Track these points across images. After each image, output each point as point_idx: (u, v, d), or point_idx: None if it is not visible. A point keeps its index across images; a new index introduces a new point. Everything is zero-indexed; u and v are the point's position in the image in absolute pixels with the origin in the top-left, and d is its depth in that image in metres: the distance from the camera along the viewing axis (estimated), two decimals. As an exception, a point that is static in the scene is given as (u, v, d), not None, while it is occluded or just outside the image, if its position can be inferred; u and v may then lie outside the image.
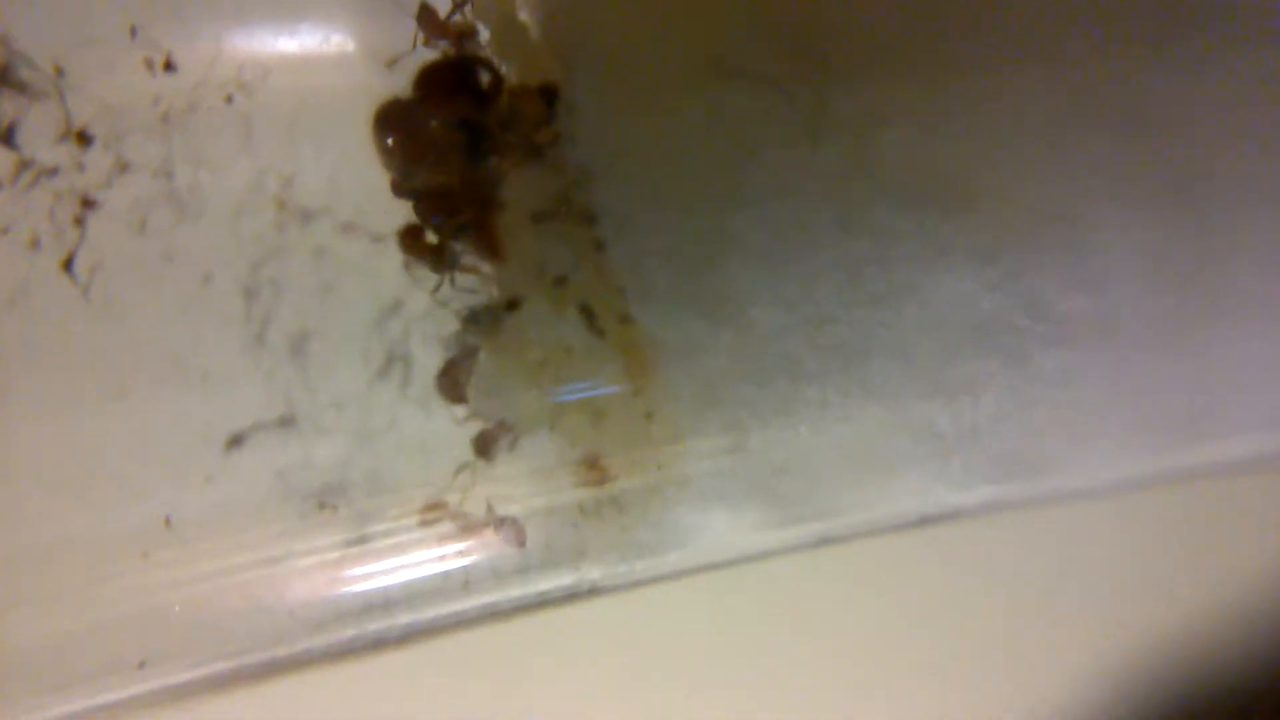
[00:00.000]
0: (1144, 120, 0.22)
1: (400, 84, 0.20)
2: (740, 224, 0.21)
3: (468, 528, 0.22)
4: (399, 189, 0.20)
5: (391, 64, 0.20)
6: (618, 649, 0.25)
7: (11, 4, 0.18)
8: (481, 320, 0.21)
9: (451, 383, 0.21)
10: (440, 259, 0.20)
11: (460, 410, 0.21)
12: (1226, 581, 0.27)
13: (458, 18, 0.20)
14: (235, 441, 0.20)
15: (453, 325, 0.21)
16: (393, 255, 0.20)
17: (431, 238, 0.20)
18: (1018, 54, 0.22)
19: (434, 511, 0.22)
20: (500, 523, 0.22)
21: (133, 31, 0.18)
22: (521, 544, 0.22)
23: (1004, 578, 0.27)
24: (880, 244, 0.21)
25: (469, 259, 0.20)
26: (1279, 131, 0.23)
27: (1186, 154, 0.22)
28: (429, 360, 0.21)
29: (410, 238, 0.20)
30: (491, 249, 0.20)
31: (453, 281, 0.21)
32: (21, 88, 0.18)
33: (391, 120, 0.20)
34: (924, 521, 0.25)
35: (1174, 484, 0.26)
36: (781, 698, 0.26)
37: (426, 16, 0.20)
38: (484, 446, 0.21)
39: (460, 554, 0.22)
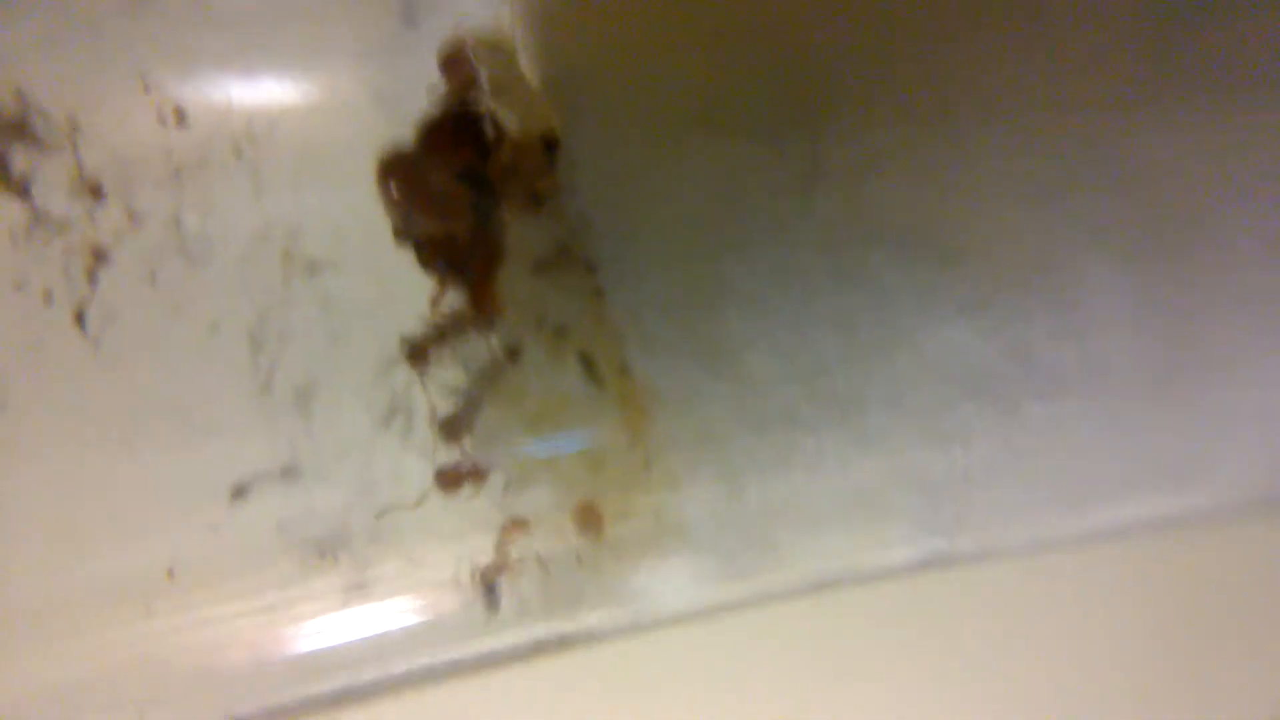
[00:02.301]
0: (1132, 173, 0.23)
1: (405, 135, 0.20)
2: (737, 273, 0.21)
3: (463, 576, 0.22)
4: (401, 236, 0.20)
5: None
6: (614, 695, 0.25)
7: (27, 57, 0.18)
8: (483, 370, 0.21)
9: (453, 432, 0.21)
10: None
11: (461, 456, 0.21)
12: (1221, 628, 0.27)
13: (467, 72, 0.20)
14: (239, 492, 0.20)
15: (455, 375, 0.21)
16: (398, 305, 0.20)
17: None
18: (1008, 107, 0.22)
19: (434, 557, 0.22)
20: (480, 576, 0.22)
21: (146, 86, 0.19)
22: (493, 601, 0.22)
23: (997, 623, 0.27)
24: (874, 293, 0.22)
25: (463, 312, 0.21)
26: (1264, 183, 0.23)
27: (1174, 205, 0.23)
28: (431, 409, 0.21)
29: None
30: (487, 303, 0.20)
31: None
32: (36, 140, 0.18)
33: (395, 171, 0.20)
34: (917, 567, 0.25)
35: (1165, 531, 0.26)
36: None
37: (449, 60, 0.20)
38: (449, 483, 0.21)
39: (456, 601, 0.22)
